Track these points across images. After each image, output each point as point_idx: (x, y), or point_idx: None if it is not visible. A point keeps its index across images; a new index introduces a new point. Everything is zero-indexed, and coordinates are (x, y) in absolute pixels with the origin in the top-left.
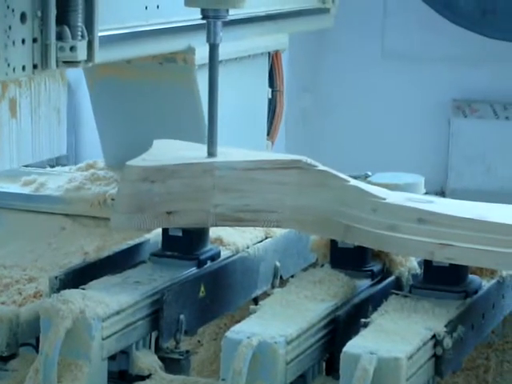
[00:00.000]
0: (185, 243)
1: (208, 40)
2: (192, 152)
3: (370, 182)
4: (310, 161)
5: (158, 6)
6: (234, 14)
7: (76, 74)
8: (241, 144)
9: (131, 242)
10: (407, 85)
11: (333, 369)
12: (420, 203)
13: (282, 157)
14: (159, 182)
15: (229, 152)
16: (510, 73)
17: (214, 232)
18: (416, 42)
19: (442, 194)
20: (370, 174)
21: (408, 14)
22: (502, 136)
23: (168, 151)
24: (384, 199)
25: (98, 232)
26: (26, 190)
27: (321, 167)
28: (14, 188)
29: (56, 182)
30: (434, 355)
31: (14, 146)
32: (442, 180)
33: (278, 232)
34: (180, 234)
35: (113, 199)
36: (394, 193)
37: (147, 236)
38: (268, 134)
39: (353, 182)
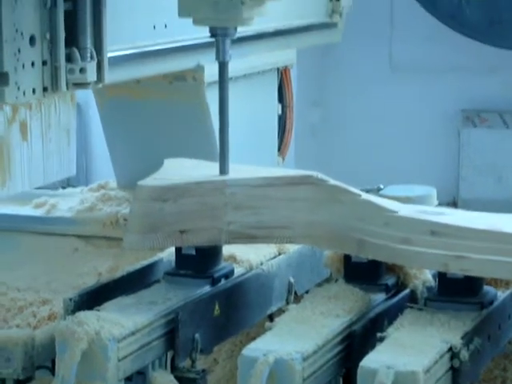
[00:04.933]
0: (198, 261)
1: (217, 58)
2: (203, 170)
3: (382, 195)
4: (321, 176)
5: (165, 26)
6: (242, 30)
7: (85, 94)
8: (252, 161)
9: (144, 262)
10: (416, 96)
11: None
12: (432, 215)
13: (293, 173)
14: (171, 201)
15: (240, 169)
16: None
17: (227, 249)
18: (424, 54)
19: (454, 204)
20: (382, 187)
21: (415, 26)
22: None
23: (179, 170)
24: (396, 212)
25: (110, 252)
26: (38, 213)
27: (332, 182)
28: (25, 210)
29: (67, 204)
30: (451, 368)
31: (25, 168)
32: (454, 190)
33: (292, 248)
34: (193, 252)
35: (125, 219)
36: (405, 206)
37: (160, 255)
38: (279, 150)
39: (364, 196)
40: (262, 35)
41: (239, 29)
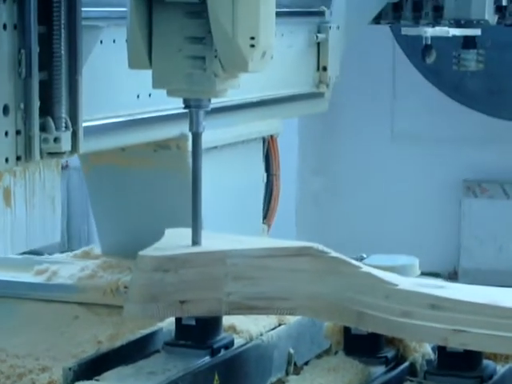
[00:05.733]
0: (198, 332)
1: (190, 129)
2: (204, 240)
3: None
4: (321, 247)
5: (150, 95)
6: (226, 100)
7: None
8: (237, 228)
9: (144, 332)
10: (417, 166)
11: None
12: (432, 289)
13: (293, 244)
14: (172, 272)
15: (240, 240)
16: None
17: (227, 320)
18: (425, 124)
19: (454, 274)
20: (364, 256)
21: (416, 96)
22: None
23: (180, 240)
24: (396, 285)
25: (111, 320)
26: (39, 279)
27: (332, 254)
28: (26, 277)
29: (69, 271)
30: None
31: (8, 234)
32: (455, 260)
33: (292, 318)
34: (193, 322)
35: (125, 287)
36: (405, 279)
37: (160, 325)
38: (265, 218)
39: (365, 268)
40: (247, 105)
41: (223, 98)
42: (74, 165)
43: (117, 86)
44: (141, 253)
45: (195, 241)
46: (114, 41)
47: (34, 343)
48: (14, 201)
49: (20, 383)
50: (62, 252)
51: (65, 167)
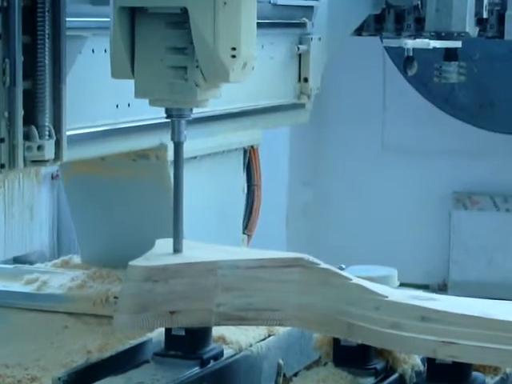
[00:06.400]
0: (188, 343)
1: (172, 138)
2: (194, 251)
3: None
4: (312, 259)
5: (128, 105)
6: (207, 110)
7: None
8: (217, 238)
9: (134, 342)
10: (407, 178)
11: None
12: (423, 301)
13: (284, 255)
14: (162, 282)
15: (232, 250)
16: (510, 165)
17: (216, 331)
18: (416, 136)
19: (444, 286)
20: (343, 266)
21: (407, 108)
22: (503, 228)
23: (170, 250)
24: (386, 297)
25: (100, 330)
26: (29, 289)
27: (323, 265)
28: (16, 287)
29: (58, 281)
30: None
31: None
32: (444, 272)
33: (281, 329)
34: (183, 333)
35: (115, 297)
36: (396, 290)
37: (150, 335)
38: (246, 228)
39: (355, 279)
40: (228, 115)
41: (204, 109)
42: None
43: (96, 96)
44: (131, 263)
45: (177, 248)
46: (92, 50)
47: (24, 353)
48: None
49: None
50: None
51: (55, 177)
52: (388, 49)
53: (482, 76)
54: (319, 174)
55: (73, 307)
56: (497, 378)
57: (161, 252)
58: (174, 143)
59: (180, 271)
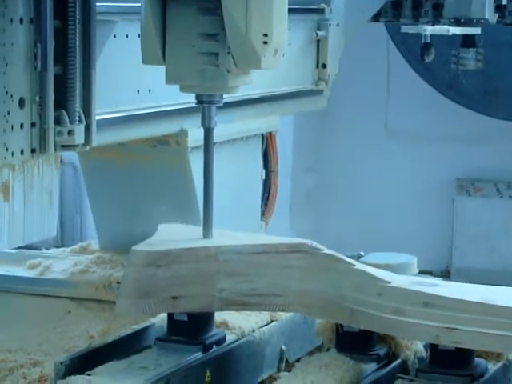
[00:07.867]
0: (190, 328)
1: (203, 124)
2: (197, 236)
3: (363, 262)
4: (315, 244)
5: (150, 90)
6: (227, 97)
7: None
8: (235, 225)
9: (136, 327)
10: (411, 164)
11: None
12: (425, 287)
13: (287, 240)
14: (164, 267)
15: (234, 235)
16: None
17: (219, 316)
18: (419, 121)
19: (447, 272)
20: (362, 254)
21: (411, 94)
22: (506, 215)
23: (173, 235)
24: (389, 283)
25: (103, 316)
26: (32, 274)
27: (326, 251)
28: (19, 271)
29: (61, 266)
30: None
31: (5, 228)
32: (447, 259)
33: (284, 315)
34: (185, 318)
35: (118, 282)
36: (399, 276)
37: (152, 320)
38: (263, 215)
39: (358, 265)
40: (246, 101)
41: (224, 95)
42: (67, 160)
43: (117, 82)
44: (134, 248)
45: (206, 235)
46: (114, 36)
47: (26, 337)
48: (12, 195)
49: (11, 377)
50: (57, 247)
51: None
52: (392, 35)
53: (487, 62)
54: (323, 160)
55: (75, 292)
56: (499, 364)
57: (164, 237)
58: (204, 129)
59: (182, 256)
